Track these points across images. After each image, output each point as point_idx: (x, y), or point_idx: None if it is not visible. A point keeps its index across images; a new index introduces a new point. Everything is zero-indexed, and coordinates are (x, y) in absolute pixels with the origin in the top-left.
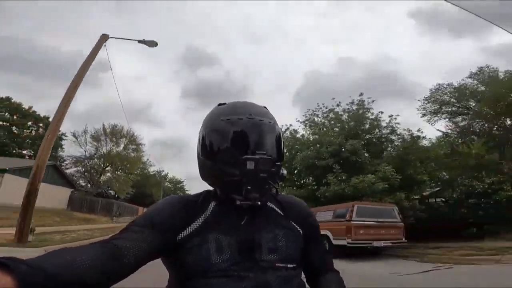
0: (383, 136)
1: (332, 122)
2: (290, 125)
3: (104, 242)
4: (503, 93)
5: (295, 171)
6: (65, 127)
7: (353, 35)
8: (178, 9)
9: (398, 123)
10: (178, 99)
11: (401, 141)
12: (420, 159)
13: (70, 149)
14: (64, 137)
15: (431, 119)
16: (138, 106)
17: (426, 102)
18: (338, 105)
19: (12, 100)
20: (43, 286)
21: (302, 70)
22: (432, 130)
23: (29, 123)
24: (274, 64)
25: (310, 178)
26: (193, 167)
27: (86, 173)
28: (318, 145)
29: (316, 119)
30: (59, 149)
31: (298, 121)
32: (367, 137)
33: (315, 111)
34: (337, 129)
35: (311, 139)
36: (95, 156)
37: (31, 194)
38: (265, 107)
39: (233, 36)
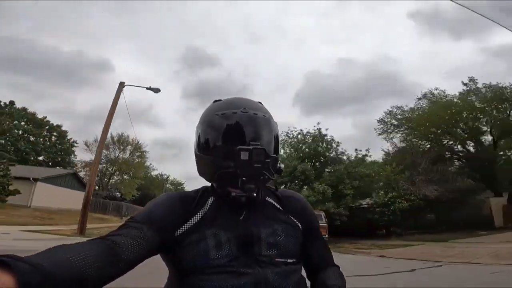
0: (332, 157)
1: (292, 149)
2: None
3: (102, 239)
4: (434, 117)
5: None
6: (72, 129)
7: (353, 35)
8: (178, 9)
9: (344, 150)
10: (179, 99)
11: (347, 161)
12: (354, 177)
13: (80, 154)
14: (75, 144)
15: (386, 137)
16: (139, 108)
17: (379, 124)
18: (299, 134)
19: (28, 111)
20: (42, 283)
21: (302, 70)
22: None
23: (44, 132)
24: (274, 64)
25: None
26: (194, 167)
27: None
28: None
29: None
30: (72, 156)
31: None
32: (321, 159)
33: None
34: (295, 154)
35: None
36: (104, 161)
37: (86, 203)
38: (260, 102)
39: (233, 36)
